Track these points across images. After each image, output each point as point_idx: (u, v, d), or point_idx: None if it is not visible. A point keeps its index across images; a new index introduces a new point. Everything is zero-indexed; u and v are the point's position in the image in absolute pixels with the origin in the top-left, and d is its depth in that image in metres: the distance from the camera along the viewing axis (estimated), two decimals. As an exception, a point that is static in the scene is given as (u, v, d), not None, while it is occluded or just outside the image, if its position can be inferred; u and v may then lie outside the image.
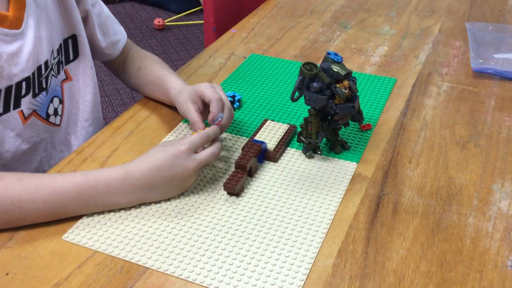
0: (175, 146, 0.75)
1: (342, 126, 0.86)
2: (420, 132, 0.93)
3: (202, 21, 3.50)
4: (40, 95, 0.84)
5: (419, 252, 0.70)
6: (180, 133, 0.93)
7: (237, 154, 0.88)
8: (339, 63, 0.81)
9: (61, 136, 0.93)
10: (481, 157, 0.87)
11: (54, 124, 0.90)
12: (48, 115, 0.87)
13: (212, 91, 0.84)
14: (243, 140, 0.91)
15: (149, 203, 0.77)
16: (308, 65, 0.80)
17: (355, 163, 0.86)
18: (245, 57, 1.18)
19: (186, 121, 0.95)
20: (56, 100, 0.89)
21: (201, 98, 0.86)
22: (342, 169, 0.84)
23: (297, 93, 0.82)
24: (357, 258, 0.69)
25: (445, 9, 1.43)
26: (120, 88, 2.74)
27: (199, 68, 1.14)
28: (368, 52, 1.21)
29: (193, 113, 0.84)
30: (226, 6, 1.47)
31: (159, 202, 0.77)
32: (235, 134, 0.93)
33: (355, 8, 1.44)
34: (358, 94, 0.84)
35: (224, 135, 0.92)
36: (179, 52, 3.17)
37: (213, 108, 0.82)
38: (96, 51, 1.00)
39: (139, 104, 1.01)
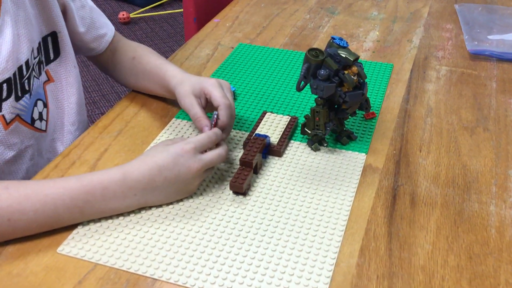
0: (179, 144, 0.69)
1: (349, 116, 0.81)
2: (426, 118, 0.89)
3: (169, 11, 3.40)
4: (24, 98, 0.76)
5: (445, 245, 0.66)
6: (174, 129, 0.86)
7: (238, 150, 0.82)
8: (346, 48, 0.76)
9: (47, 142, 0.85)
10: (492, 142, 0.84)
11: (40, 130, 0.82)
12: (33, 120, 0.80)
13: (221, 95, 0.76)
14: (242, 135, 0.85)
15: (150, 208, 0.70)
16: (314, 51, 0.75)
17: (364, 154, 0.81)
18: (232, 47, 1.12)
19: (179, 116, 0.89)
20: (40, 104, 0.81)
21: (207, 97, 0.78)
22: (351, 160, 0.80)
23: (302, 82, 0.76)
24: (381, 256, 0.64)
25: (431, -8, 1.40)
26: (89, 86, 2.63)
27: (185, 60, 1.07)
28: (360, 38, 1.16)
29: (196, 108, 0.77)
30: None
31: (161, 206, 0.71)
32: (233, 128, 0.87)
33: (339, -7, 1.40)
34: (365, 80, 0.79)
35: (221, 130, 0.86)
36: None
37: (222, 116, 0.75)
38: (80, 46, 0.91)
39: (125, 100, 0.93)
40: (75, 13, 0.87)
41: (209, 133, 0.72)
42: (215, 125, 0.75)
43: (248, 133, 0.85)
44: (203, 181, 0.75)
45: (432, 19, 1.25)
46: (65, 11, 0.86)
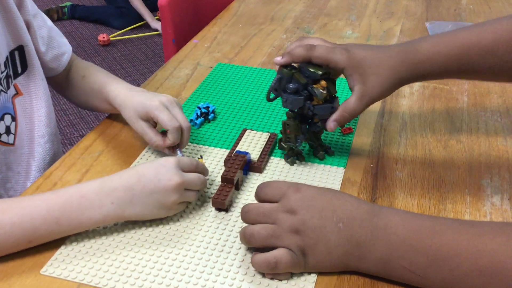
0: (163, 158, 0.71)
1: (324, 130, 0.83)
2: (401, 132, 0.92)
3: (149, 33, 3.43)
4: None
5: (423, 254, 0.67)
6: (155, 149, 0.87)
7: (219, 167, 0.83)
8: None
9: (17, 156, 0.85)
10: (465, 154, 0.86)
11: (7, 144, 0.82)
12: None
13: (168, 119, 0.77)
14: (223, 152, 0.87)
15: (133, 227, 0.71)
16: (288, 66, 0.78)
17: (342, 168, 0.83)
18: (211, 67, 1.14)
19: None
20: (8, 118, 0.82)
21: (154, 120, 0.79)
22: (330, 175, 0.81)
23: (272, 94, 0.79)
24: (361, 266, 0.66)
25: (403, 11, 1.44)
26: (67, 109, 2.63)
27: (165, 80, 1.08)
28: (335, 56, 1.19)
29: (149, 133, 0.80)
30: (184, 17, 1.43)
31: (143, 225, 0.71)
32: (214, 146, 0.88)
33: (315, 13, 1.43)
34: (337, 95, 0.81)
35: (203, 148, 0.88)
36: (126, 68, 3.08)
37: (174, 138, 0.77)
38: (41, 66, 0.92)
39: (106, 121, 0.94)
40: (36, 32, 0.88)
41: (191, 159, 0.73)
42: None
43: (228, 150, 0.87)
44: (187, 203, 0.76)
45: (405, 37, 1.29)
46: (28, 27, 0.87)
